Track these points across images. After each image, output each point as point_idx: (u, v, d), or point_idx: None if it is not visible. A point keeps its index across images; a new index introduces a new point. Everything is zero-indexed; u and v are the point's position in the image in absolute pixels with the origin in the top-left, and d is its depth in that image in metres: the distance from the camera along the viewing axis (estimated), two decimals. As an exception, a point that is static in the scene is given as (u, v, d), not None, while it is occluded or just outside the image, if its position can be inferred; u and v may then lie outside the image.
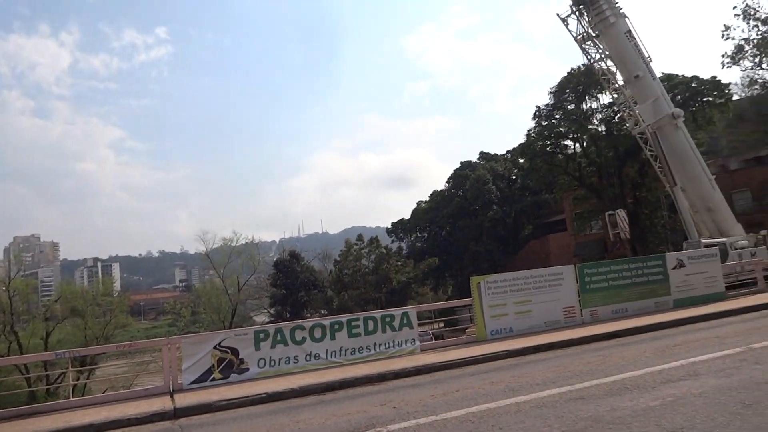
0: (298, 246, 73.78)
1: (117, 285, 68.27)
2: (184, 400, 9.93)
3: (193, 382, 11.32)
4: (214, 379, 11.49)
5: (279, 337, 12.21)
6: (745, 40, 42.99)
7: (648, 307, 16.49)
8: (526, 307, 14.89)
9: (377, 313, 13.64)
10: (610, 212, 25.81)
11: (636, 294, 16.51)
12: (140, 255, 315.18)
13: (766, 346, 9.20)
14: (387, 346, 13.17)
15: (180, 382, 11.33)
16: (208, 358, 11.59)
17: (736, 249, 24.06)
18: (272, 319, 55.18)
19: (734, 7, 43.10)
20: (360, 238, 51.87)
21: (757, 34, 42.50)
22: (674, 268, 17.25)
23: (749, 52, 43.11)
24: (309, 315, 49.97)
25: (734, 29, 43.10)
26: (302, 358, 12.28)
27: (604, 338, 12.71)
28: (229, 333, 12.45)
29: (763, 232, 26.13)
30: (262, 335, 12.16)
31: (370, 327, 13.09)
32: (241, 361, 11.81)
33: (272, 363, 12.03)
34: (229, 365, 11.72)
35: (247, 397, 9.68)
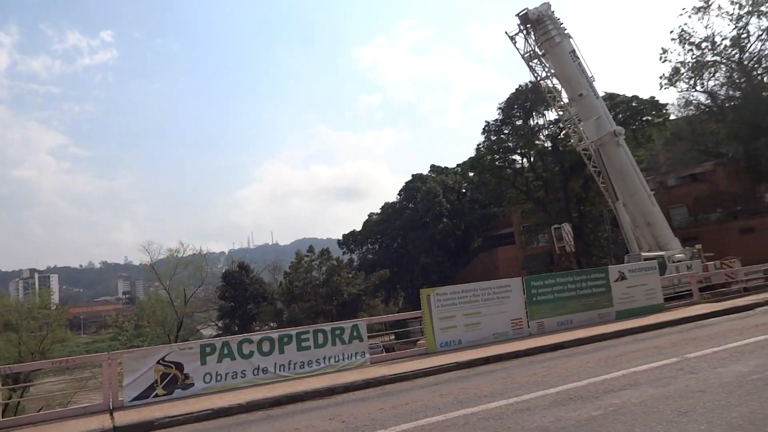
0: (247, 257, 72.63)
1: (55, 297, 65.18)
2: (124, 417, 9.56)
3: (134, 399, 10.92)
4: (157, 396, 11.11)
5: (226, 351, 11.94)
6: (681, 63, 45.28)
7: (592, 318, 16.98)
8: (475, 319, 15.09)
9: (327, 326, 13.54)
10: (555, 226, 26.53)
11: (580, 306, 16.98)
12: (81, 266, 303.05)
13: (700, 356, 9.60)
14: (337, 359, 13.07)
15: (121, 399, 10.91)
16: (151, 373, 11.20)
17: (674, 262, 25.13)
18: (220, 332, 53.88)
19: (671, 32, 45.37)
20: (311, 249, 51.43)
21: (692, 58, 44.83)
22: (616, 280, 17.86)
23: (685, 74, 45.39)
24: (258, 328, 49.11)
25: (671, 52, 45.24)
26: (250, 373, 12.03)
27: (550, 349, 13.00)
28: (174, 347, 12.09)
29: (698, 246, 27.39)
30: (208, 349, 11.86)
31: (320, 340, 12.97)
32: (186, 376, 11.47)
33: (219, 378, 11.74)
34: (173, 380, 11.36)
35: (192, 413, 9.40)
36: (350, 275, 49.35)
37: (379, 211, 68.78)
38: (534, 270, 44.98)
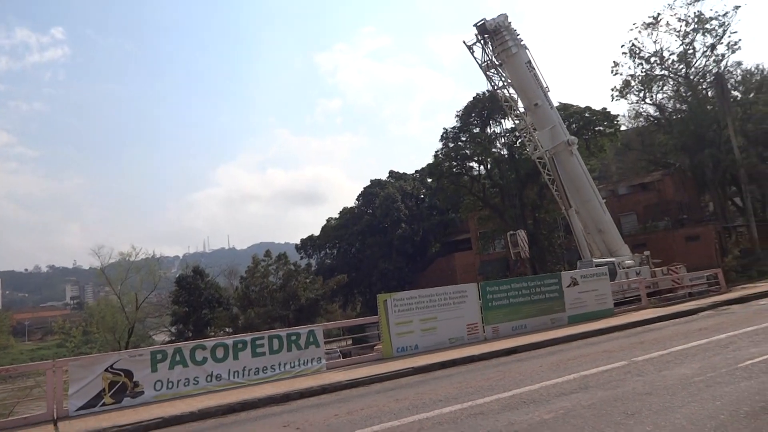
0: (203, 262, 71.07)
1: (-3, 302, 62.39)
2: (69, 428, 9.22)
3: (80, 408, 10.55)
4: (104, 404, 10.77)
5: (178, 358, 11.68)
6: (632, 76, 46.78)
7: (545, 323, 17.33)
8: (432, 324, 15.19)
9: (283, 332, 13.40)
10: (511, 232, 26.92)
11: (534, 311, 17.31)
12: (26, 270, 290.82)
13: (647, 360, 9.92)
14: (293, 365, 12.94)
15: (66, 408, 10.51)
16: (99, 381, 10.85)
17: (624, 268, 25.87)
18: (173, 338, 52.49)
19: (622, 46, 46.89)
20: (268, 254, 50.71)
21: (642, 72, 46.39)
22: (569, 286, 18.28)
23: (635, 87, 46.93)
24: (213, 333, 48.05)
25: (622, 66, 46.65)
26: (203, 379, 11.79)
27: (504, 354, 13.20)
28: (123, 354, 11.77)
29: (646, 253, 28.28)
30: (159, 356, 11.57)
31: (275, 346, 12.82)
32: (136, 384, 11.16)
33: (170, 385, 11.46)
34: (122, 389, 11.03)
35: (141, 422, 9.14)
36: (308, 280, 48.91)
37: (337, 216, 68.52)
38: (490, 275, 45.58)
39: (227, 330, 46.98)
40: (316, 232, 67.86)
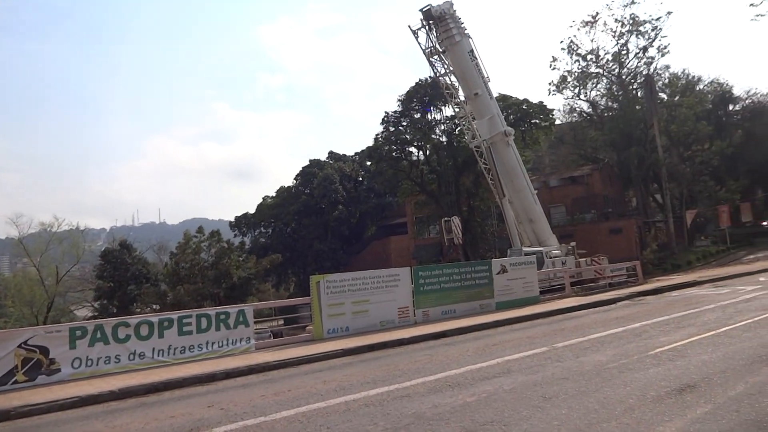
0: (131, 236, 68.25)
1: None
2: (-24, 406, 8.72)
3: (-11, 386, 10.00)
4: (17, 382, 10.25)
5: (99, 335, 11.25)
6: (568, 72, 48.40)
7: (474, 308, 17.80)
8: (364, 306, 15.30)
9: (211, 311, 13.16)
10: (446, 218, 27.39)
11: (464, 296, 17.73)
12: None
13: (566, 346, 10.37)
14: (220, 344, 12.74)
15: (-27, 385, 9.94)
16: (11, 358, 10.31)
17: (551, 257, 26.87)
18: (96, 313, 50.49)
19: (561, 42, 48.32)
20: (200, 230, 49.34)
21: (578, 68, 48.04)
22: (498, 273, 18.83)
23: (571, 83, 48.57)
24: (139, 310, 46.51)
25: (560, 61, 48.24)
26: (125, 358, 11.43)
27: (433, 338, 13.47)
28: (39, 330, 11.22)
29: (572, 244, 29.49)
30: (78, 332, 11.11)
31: (203, 325, 12.57)
32: (52, 361, 10.68)
33: (89, 363, 11.04)
34: (36, 366, 10.53)
35: (56, 401, 8.76)
36: (241, 258, 48.05)
37: (274, 194, 67.51)
38: (424, 260, 46.30)
39: (154, 307, 45.62)
40: (252, 210, 66.69)
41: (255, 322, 13.78)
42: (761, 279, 22.05)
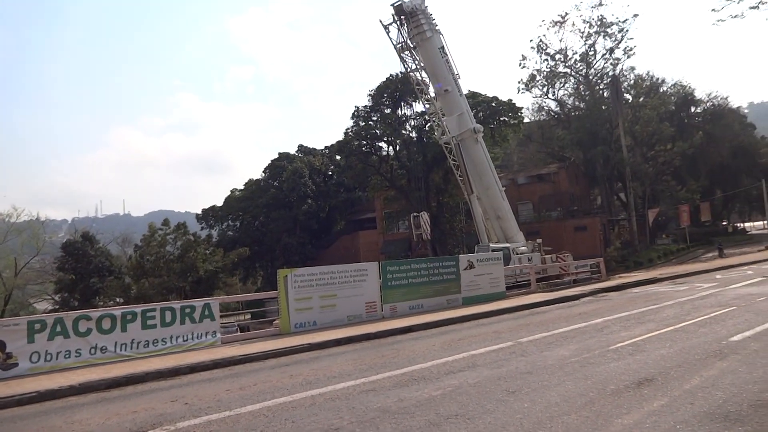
0: (94, 227, 66.75)
1: None
2: (-73, 401, 8.43)
3: (-58, 381, 9.68)
4: (-29, 377, 9.95)
5: (59, 329, 10.98)
6: (537, 71, 49.08)
7: (441, 304, 17.95)
8: (331, 301, 15.28)
9: (176, 304, 12.96)
10: (414, 214, 27.53)
11: (431, 291, 17.86)
12: None
13: (531, 341, 10.55)
14: (185, 338, 12.58)
15: (-76, 380, 9.61)
16: (-35, 352, 10.00)
17: (518, 254, 27.27)
18: (57, 306, 49.25)
19: (531, 40, 48.95)
20: (166, 222, 48.48)
21: (547, 67, 48.74)
22: (465, 269, 19.02)
23: (540, 81, 49.25)
24: (102, 303, 45.55)
25: (530, 60, 48.85)
26: (86, 352, 11.18)
27: (400, 332, 13.53)
28: (-5, 323, 10.88)
29: (539, 240, 29.96)
30: (37, 326, 10.82)
31: (168, 318, 12.38)
32: (8, 356, 10.39)
33: (48, 357, 10.77)
34: (-8, 360, 10.23)
35: (13, 396, 8.53)
36: (207, 252, 47.42)
37: (242, 187, 66.75)
38: (392, 255, 46.46)
39: (118, 300, 44.78)
40: (220, 203, 65.82)
41: (221, 316, 13.65)
42: (718, 276, 22.77)
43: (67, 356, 10.96)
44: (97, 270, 50.58)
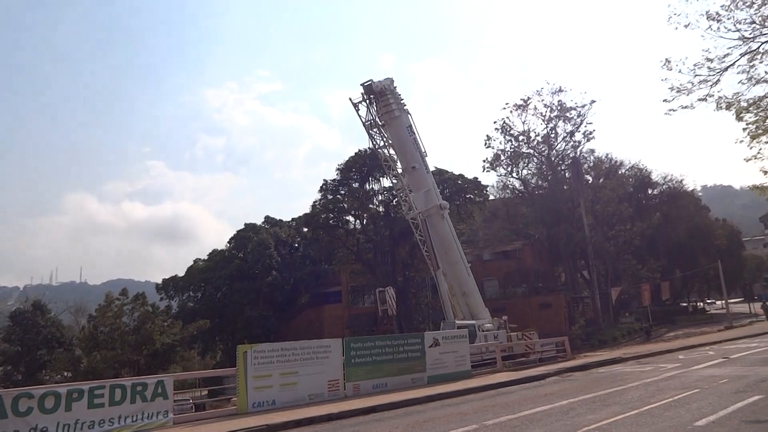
0: (47, 295, 64.18)
1: None
2: None
3: None
4: None
5: (-4, 408, 10.24)
6: (502, 150, 50.63)
7: (405, 382, 17.50)
8: (292, 378, 14.76)
9: (127, 381, 12.31)
10: (380, 289, 27.33)
11: (396, 369, 17.45)
12: None
13: (497, 423, 10.27)
14: (135, 418, 11.88)
15: None
16: None
17: (483, 331, 27.05)
18: (-2, 381, 46.32)
19: (495, 122, 50.86)
20: (124, 292, 46.89)
21: (511, 148, 50.39)
22: (431, 346, 18.72)
23: (504, 161, 50.77)
24: (48, 378, 43.12)
25: (494, 140, 50.47)
26: (24, 434, 10.40)
27: (362, 413, 13.05)
28: (-74, 401, 10.11)
29: (504, 317, 29.86)
30: (-28, 405, 10.08)
31: (117, 396, 11.72)
32: (-63, 438, 9.59)
33: (-18, 439, 9.98)
34: None
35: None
36: (165, 323, 45.74)
37: (206, 257, 65.59)
38: (358, 329, 45.66)
39: (65, 374, 42.56)
40: (183, 273, 64.31)
41: (176, 392, 12.99)
42: (680, 357, 22.91)
43: (2, 438, 10.19)
44: (46, 341, 48.26)
